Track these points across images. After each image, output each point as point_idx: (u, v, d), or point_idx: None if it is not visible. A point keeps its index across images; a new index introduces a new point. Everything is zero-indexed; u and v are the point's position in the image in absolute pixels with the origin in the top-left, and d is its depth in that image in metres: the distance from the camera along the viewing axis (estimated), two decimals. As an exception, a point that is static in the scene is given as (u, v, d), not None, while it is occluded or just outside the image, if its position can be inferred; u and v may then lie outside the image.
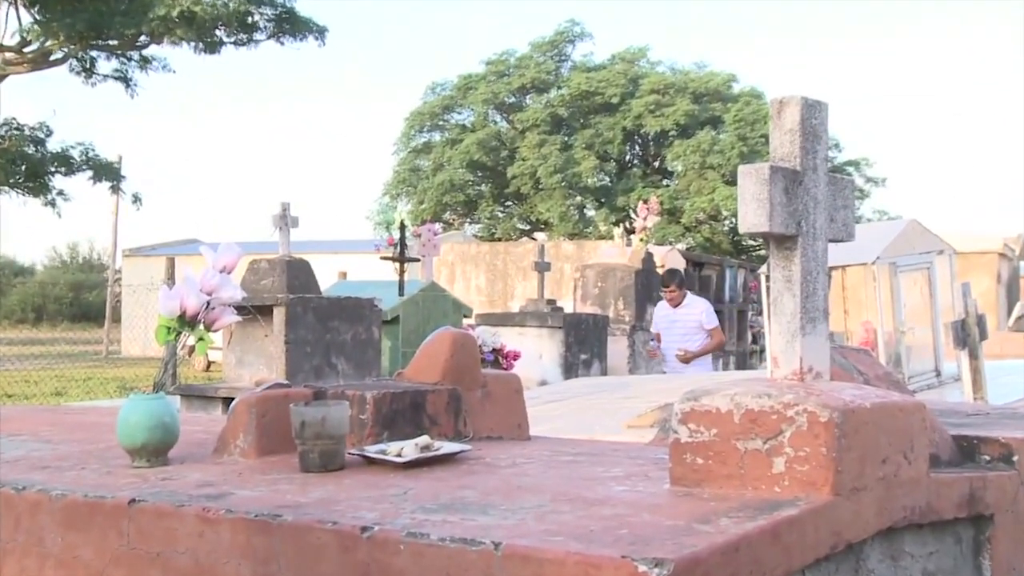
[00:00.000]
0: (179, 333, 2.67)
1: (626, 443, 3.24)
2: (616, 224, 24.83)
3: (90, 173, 18.16)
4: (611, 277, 11.56)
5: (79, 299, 40.85)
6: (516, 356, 7.97)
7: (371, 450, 2.50)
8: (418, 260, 11.24)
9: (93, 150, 18.23)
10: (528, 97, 35.50)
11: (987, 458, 2.52)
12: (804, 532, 1.82)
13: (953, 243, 9.77)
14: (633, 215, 13.15)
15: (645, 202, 12.99)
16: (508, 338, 8.49)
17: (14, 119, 17.58)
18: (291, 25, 18.78)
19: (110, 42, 18.18)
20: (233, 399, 2.80)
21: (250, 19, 18.56)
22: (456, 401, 2.88)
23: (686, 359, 8.80)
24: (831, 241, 2.29)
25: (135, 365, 21.60)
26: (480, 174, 35.67)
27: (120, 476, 2.41)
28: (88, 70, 18.68)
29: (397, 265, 10.39)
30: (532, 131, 33.54)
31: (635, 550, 1.59)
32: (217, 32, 18.50)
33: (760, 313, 16.28)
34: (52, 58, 18.07)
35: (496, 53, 36.35)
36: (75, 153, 17.97)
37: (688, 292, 9.34)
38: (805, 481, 1.93)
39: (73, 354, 23.73)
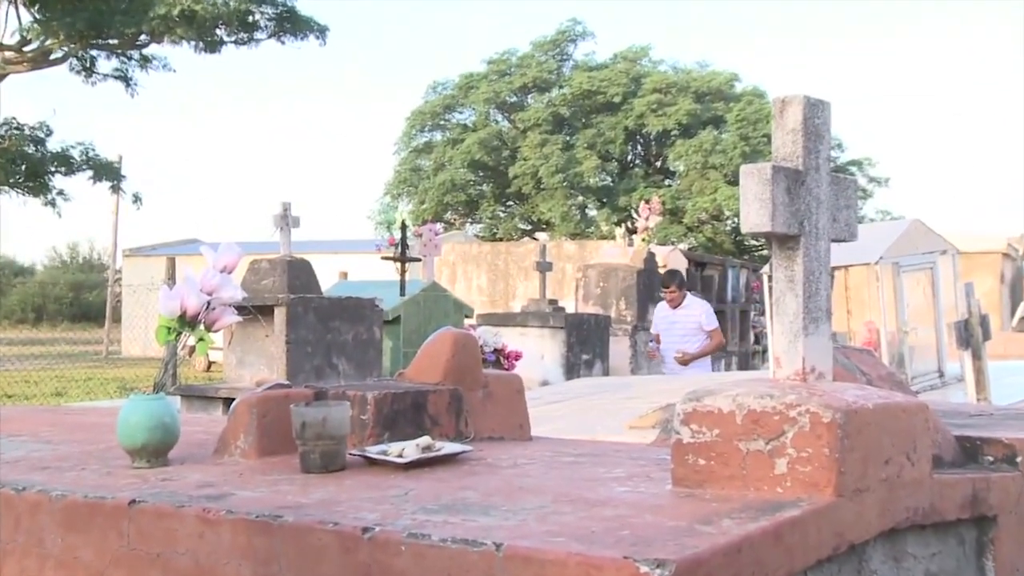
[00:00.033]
0: (179, 333, 2.66)
1: (628, 444, 3.23)
2: (618, 224, 24.83)
3: (90, 173, 18.14)
4: (613, 277, 11.56)
5: (79, 299, 40.86)
6: (518, 356, 7.96)
7: (372, 451, 2.50)
8: (419, 260, 11.23)
9: (93, 150, 18.23)
10: (530, 96, 35.51)
11: (990, 459, 2.51)
12: (806, 533, 1.82)
13: (956, 243, 9.76)
14: (635, 215, 13.16)
15: (647, 202, 13.00)
16: (510, 338, 8.49)
17: (14, 118, 17.59)
18: (292, 24, 18.78)
19: (110, 41, 18.17)
20: (234, 399, 2.79)
21: (251, 18, 18.56)
22: (457, 401, 2.87)
23: (684, 361, 8.78)
24: (834, 241, 2.28)
25: (135, 365, 21.61)
26: (481, 174, 35.68)
27: (120, 477, 2.41)
28: (88, 69, 18.68)
29: (398, 265, 10.39)
30: (534, 131, 33.55)
31: (637, 551, 1.58)
32: (218, 31, 18.50)
33: (762, 313, 16.25)
34: (52, 57, 18.07)
35: (498, 52, 36.44)
36: (75, 153, 17.97)
37: (688, 293, 9.32)
38: (807, 482, 1.93)
39: (73, 354, 23.74)
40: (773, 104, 2.23)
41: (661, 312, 9.29)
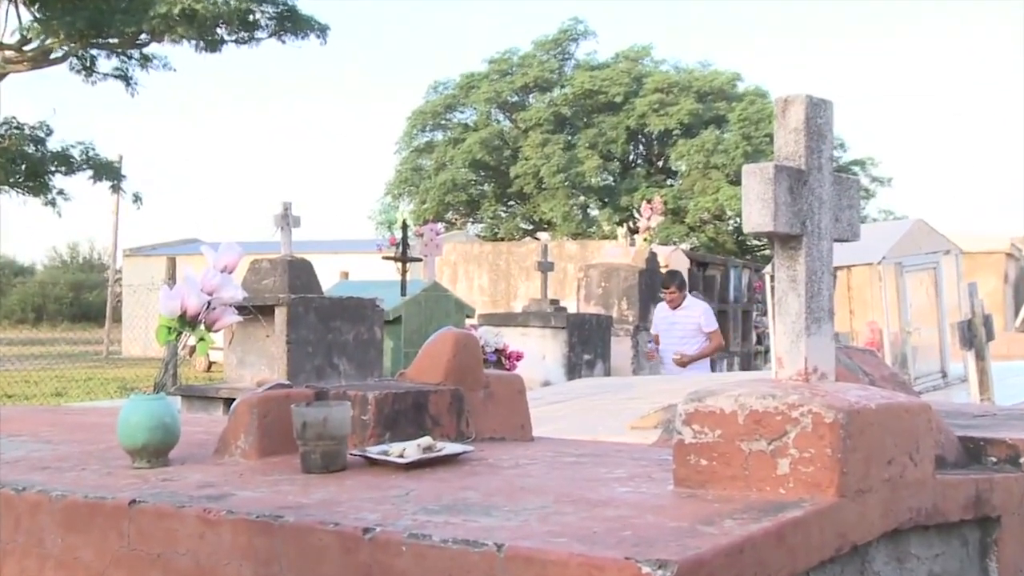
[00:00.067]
0: (180, 333, 2.66)
1: (630, 444, 3.23)
2: (620, 224, 24.79)
3: (90, 172, 18.14)
4: (615, 277, 11.55)
5: (79, 299, 40.83)
6: (519, 357, 7.95)
7: (373, 451, 2.49)
8: (420, 260, 11.22)
9: (93, 149, 18.23)
10: (531, 96, 35.51)
11: (994, 460, 2.51)
12: (809, 534, 1.81)
13: (959, 243, 9.74)
14: (637, 215, 13.15)
15: (649, 202, 12.98)
16: (511, 338, 8.48)
17: (14, 118, 17.58)
18: (293, 23, 18.76)
19: (110, 40, 18.16)
20: (234, 400, 2.79)
21: (251, 17, 18.54)
22: (458, 402, 2.87)
23: (682, 363, 8.74)
24: (836, 241, 2.28)
25: (136, 365, 21.60)
26: (483, 173, 35.69)
27: (120, 477, 2.40)
28: (88, 68, 18.67)
29: (399, 265, 10.37)
30: (535, 130, 33.55)
31: (639, 552, 1.58)
32: (218, 30, 18.47)
33: (765, 313, 16.24)
34: (52, 56, 18.05)
35: (499, 52, 36.44)
36: (75, 152, 17.96)
37: (688, 294, 9.30)
38: (810, 482, 1.92)
39: (73, 354, 23.73)
40: (775, 104, 2.23)
41: (661, 313, 9.28)
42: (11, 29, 17.63)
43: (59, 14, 16.45)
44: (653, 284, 11.20)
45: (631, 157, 35.92)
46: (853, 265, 8.86)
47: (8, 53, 17.67)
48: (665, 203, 17.23)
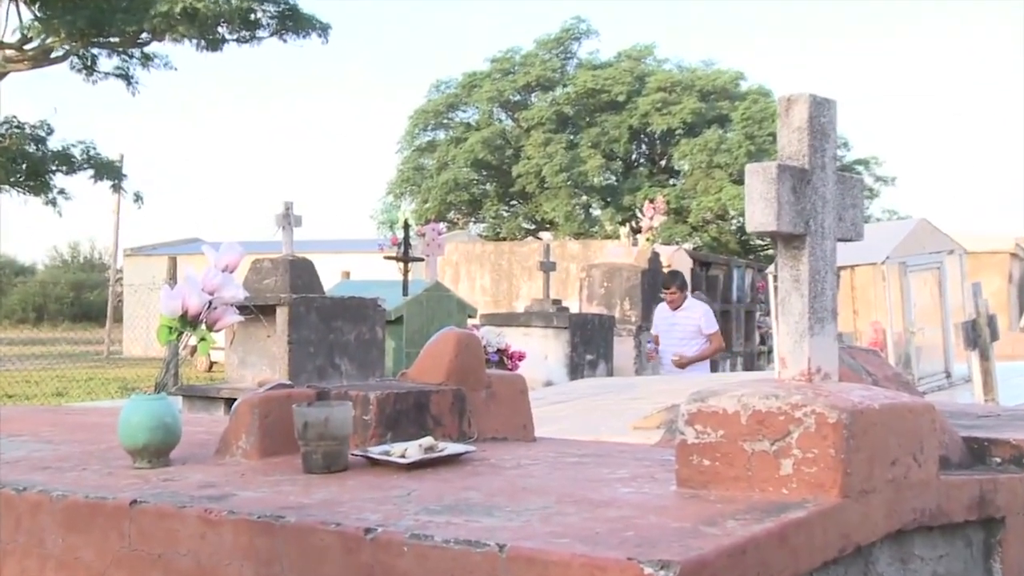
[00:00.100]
0: (181, 333, 2.65)
1: (632, 444, 3.23)
2: (622, 223, 24.81)
3: (91, 172, 18.11)
4: (617, 277, 11.55)
5: (80, 299, 40.77)
6: (521, 357, 7.94)
7: (375, 451, 2.49)
8: (422, 260, 11.21)
9: (94, 148, 18.20)
10: (533, 95, 35.48)
11: (998, 460, 2.50)
12: (812, 534, 1.81)
13: (964, 243, 9.74)
14: (639, 214, 13.18)
15: (651, 201, 12.99)
16: (513, 338, 8.47)
17: (15, 117, 17.55)
18: (294, 22, 18.73)
19: (111, 39, 18.14)
20: (235, 400, 2.79)
21: (253, 16, 18.50)
22: (460, 402, 2.86)
23: (681, 364, 8.70)
24: (840, 240, 2.27)
25: (137, 365, 21.60)
26: (485, 173, 35.68)
27: (121, 477, 2.40)
28: (89, 67, 18.65)
29: (401, 265, 10.37)
30: (537, 129, 33.53)
31: (641, 552, 1.58)
32: (219, 29, 18.43)
33: (768, 313, 16.27)
34: (53, 55, 18.03)
35: (501, 51, 36.40)
36: (76, 152, 17.94)
37: (689, 295, 9.27)
38: (813, 483, 1.92)
39: (74, 354, 23.72)
40: (779, 103, 2.22)
41: (661, 313, 9.24)
42: (12, 28, 17.63)
43: (60, 13, 16.45)
44: (655, 284, 11.19)
45: (634, 156, 35.90)
46: (857, 265, 8.86)
47: (9, 52, 17.66)
48: (668, 203, 17.24)
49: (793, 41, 70.12)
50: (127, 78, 19.01)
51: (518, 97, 35.57)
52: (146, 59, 18.99)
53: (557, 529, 1.76)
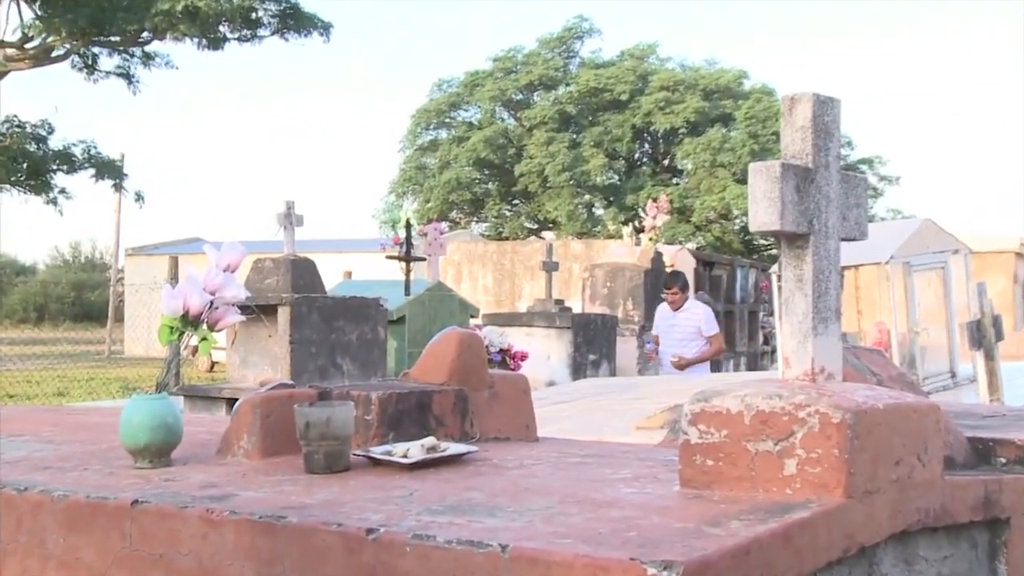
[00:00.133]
0: (182, 333, 2.65)
1: (635, 444, 3.22)
2: (625, 223, 24.82)
3: (92, 171, 18.11)
4: (620, 277, 11.56)
5: (81, 298, 40.73)
6: (524, 357, 7.94)
7: (377, 451, 2.48)
8: (424, 259, 11.22)
9: (95, 148, 18.21)
10: (536, 94, 35.47)
11: (1003, 461, 2.50)
12: (816, 535, 1.80)
13: (968, 242, 9.72)
14: (642, 214, 13.18)
15: (654, 201, 12.99)
16: (515, 338, 8.47)
17: (16, 116, 17.56)
18: (295, 21, 18.71)
19: (112, 38, 18.13)
20: (237, 400, 2.78)
21: (254, 15, 18.48)
22: (463, 402, 2.85)
23: (680, 365, 8.64)
24: (844, 240, 2.26)
25: (138, 365, 21.61)
26: (487, 172, 35.68)
27: (123, 477, 2.39)
28: (90, 66, 18.64)
29: (403, 264, 10.36)
30: (540, 128, 33.52)
31: (644, 552, 1.57)
32: (221, 28, 18.41)
33: (771, 313, 16.25)
34: (54, 54, 18.02)
35: (503, 49, 36.38)
36: (77, 151, 17.94)
37: (691, 296, 9.25)
38: (817, 483, 1.91)
39: (75, 354, 23.70)
40: (782, 101, 2.21)
41: (662, 314, 9.19)
42: (13, 27, 17.64)
43: (61, 12, 16.45)
44: (658, 284, 11.19)
45: (636, 156, 35.89)
46: (861, 264, 8.84)
47: (10, 51, 17.67)
48: (671, 202, 17.19)
49: (796, 40, 70.09)
50: (128, 77, 19.01)
51: (520, 96, 35.56)
52: (147, 58, 18.98)
53: (560, 529, 1.76)
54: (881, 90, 73.27)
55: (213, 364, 19.70)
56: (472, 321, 10.23)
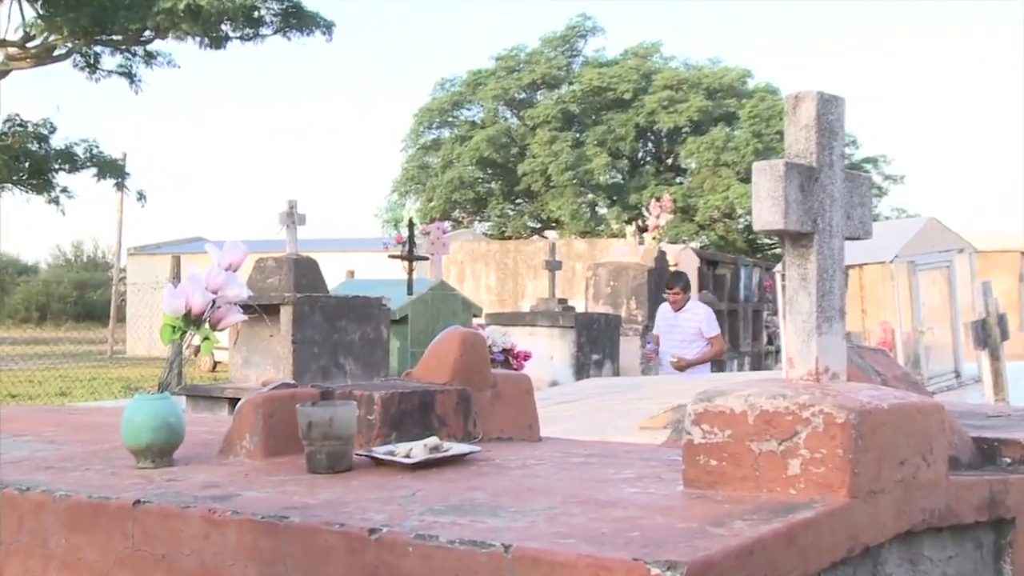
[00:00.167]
0: (184, 332, 2.64)
1: (638, 444, 3.21)
2: (628, 222, 24.84)
3: (94, 170, 18.07)
4: (623, 276, 11.55)
5: (83, 298, 40.70)
6: (527, 356, 7.93)
7: (379, 451, 2.48)
8: (427, 259, 11.23)
9: (97, 147, 18.17)
10: (539, 93, 35.46)
11: (1008, 460, 2.49)
12: (820, 535, 1.80)
13: (973, 241, 9.71)
14: (646, 213, 13.15)
15: (658, 200, 12.99)
16: (519, 338, 8.46)
17: (17, 115, 17.54)
18: (298, 19, 18.68)
19: (114, 37, 18.11)
20: (239, 399, 2.78)
21: (256, 13, 18.45)
22: (465, 402, 2.85)
23: (680, 366, 8.61)
24: (848, 239, 2.26)
25: (140, 365, 21.62)
26: (490, 171, 35.67)
27: (125, 477, 2.39)
28: (92, 65, 18.62)
29: (406, 264, 10.37)
30: (543, 127, 33.52)
31: (647, 553, 1.57)
32: (223, 26, 18.39)
33: (775, 313, 16.22)
34: (56, 53, 17.99)
35: (506, 48, 36.38)
36: (79, 150, 17.91)
37: (692, 297, 9.23)
38: (821, 483, 1.90)
39: (77, 354, 23.69)
40: (786, 100, 2.21)
41: (663, 314, 9.17)
42: (14, 26, 17.61)
43: (63, 10, 16.44)
44: (662, 283, 11.18)
45: (640, 155, 35.88)
46: (865, 263, 8.83)
47: (11, 50, 17.66)
48: (674, 201, 17.22)
49: (800, 39, 69.99)
50: (130, 76, 19.00)
51: (523, 95, 35.55)
52: (149, 57, 18.96)
53: (563, 529, 1.75)
54: (886, 89, 73.16)
55: (215, 364, 19.72)
56: (475, 321, 10.23)
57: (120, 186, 19.10)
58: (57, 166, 17.73)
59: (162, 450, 2.52)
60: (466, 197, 35.04)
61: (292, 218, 8.62)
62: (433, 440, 2.52)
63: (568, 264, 17.00)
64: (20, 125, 17.35)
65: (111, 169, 18.43)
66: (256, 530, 1.92)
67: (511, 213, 36.42)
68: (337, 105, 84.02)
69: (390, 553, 1.75)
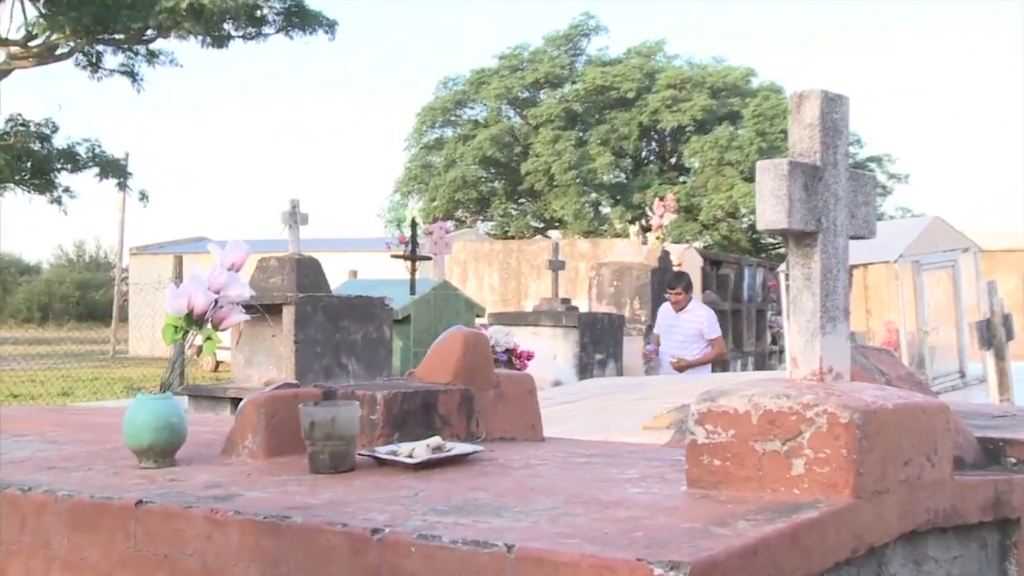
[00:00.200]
0: (187, 332, 2.64)
1: (642, 444, 3.21)
2: (632, 222, 24.75)
3: (96, 170, 18.08)
4: (627, 276, 11.54)
5: (86, 298, 40.69)
6: (530, 356, 7.93)
7: (382, 451, 2.47)
8: (430, 258, 11.22)
9: (99, 146, 18.17)
10: (542, 92, 35.43)
11: (1013, 461, 2.48)
12: (824, 535, 1.79)
13: (978, 241, 9.69)
14: (649, 212, 13.13)
15: (661, 199, 12.97)
16: (521, 338, 8.47)
17: (19, 115, 17.55)
18: (300, 18, 18.67)
19: (116, 36, 18.11)
20: (241, 399, 2.77)
21: (259, 12, 18.44)
22: (468, 401, 2.84)
23: (680, 367, 8.58)
24: (852, 238, 2.25)
25: (142, 365, 21.63)
26: (493, 171, 35.65)
27: (127, 477, 2.39)
28: (94, 65, 18.62)
29: (408, 263, 10.37)
30: (546, 127, 33.49)
31: (651, 553, 1.56)
32: (225, 26, 18.38)
33: (779, 312, 16.21)
34: (58, 52, 18.00)
35: (509, 47, 36.33)
36: (81, 150, 17.91)
37: (694, 298, 9.20)
38: (825, 483, 1.90)
39: (79, 354, 23.70)
40: (790, 99, 2.20)
41: (664, 314, 9.15)
42: (16, 25, 17.70)
43: (65, 10, 16.44)
44: (665, 283, 11.17)
45: (643, 154, 35.85)
46: (869, 263, 8.83)
47: (13, 49, 17.67)
48: (678, 200, 17.19)
49: (805, 38, 69.90)
50: (132, 75, 18.99)
51: (527, 94, 35.51)
52: (151, 56, 18.96)
53: (566, 530, 1.75)
54: (891, 88, 73.07)
55: (218, 364, 19.75)
56: (478, 320, 10.23)
57: (122, 186, 19.10)
58: (59, 166, 17.74)
59: (164, 450, 2.52)
60: (469, 197, 35.02)
61: (295, 218, 8.62)
62: (436, 440, 2.51)
63: (571, 264, 16.98)
64: (22, 124, 17.36)
65: (113, 169, 18.43)
66: (258, 530, 1.92)
67: (514, 213, 36.39)
68: (339, 104, 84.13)
69: (393, 553, 1.75)
